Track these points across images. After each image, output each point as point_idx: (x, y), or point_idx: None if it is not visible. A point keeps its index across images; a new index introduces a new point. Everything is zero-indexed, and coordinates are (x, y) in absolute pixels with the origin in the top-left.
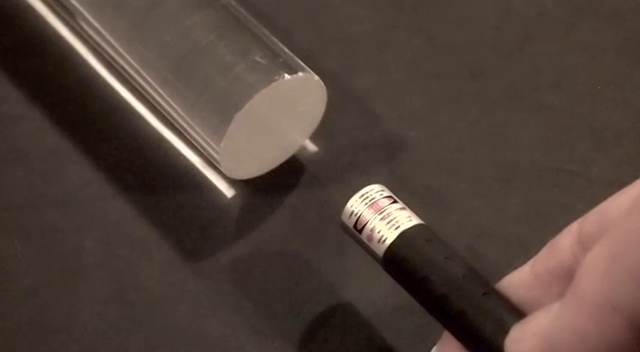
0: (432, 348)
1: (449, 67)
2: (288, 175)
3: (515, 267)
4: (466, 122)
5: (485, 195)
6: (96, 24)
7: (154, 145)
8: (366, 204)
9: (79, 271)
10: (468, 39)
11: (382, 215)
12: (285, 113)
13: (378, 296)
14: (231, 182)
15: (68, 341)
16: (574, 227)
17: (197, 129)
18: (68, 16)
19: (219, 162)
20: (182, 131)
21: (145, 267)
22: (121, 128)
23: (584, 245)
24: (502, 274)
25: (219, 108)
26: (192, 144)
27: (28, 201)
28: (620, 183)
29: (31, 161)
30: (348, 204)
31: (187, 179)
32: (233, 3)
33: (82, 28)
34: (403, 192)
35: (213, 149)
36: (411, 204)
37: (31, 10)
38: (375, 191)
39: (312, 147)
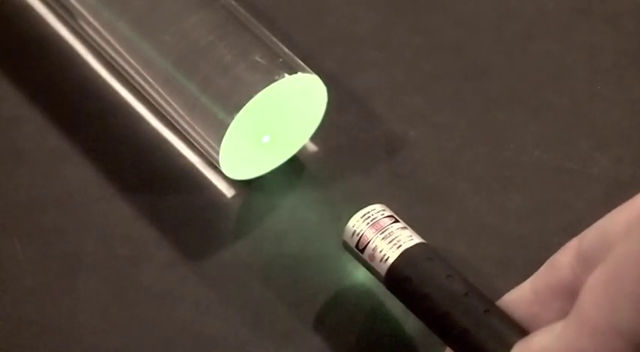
0: (432, 348)
1: (449, 67)
2: (288, 175)
3: (516, 266)
4: (466, 121)
5: (485, 193)
6: (96, 24)
7: (154, 145)
8: (368, 223)
9: (79, 271)
10: (468, 39)
11: (384, 234)
12: (286, 113)
13: (378, 296)
14: (231, 182)
15: (68, 341)
16: (573, 243)
17: (197, 129)
18: (68, 16)
19: (219, 162)
20: (182, 131)
21: (145, 267)
22: (121, 128)
23: (584, 261)
24: (502, 273)
25: (219, 108)
26: (192, 144)
27: (28, 201)
28: (619, 182)
29: (31, 161)
30: (350, 224)
31: (187, 179)
32: (233, 3)
33: (82, 28)
34: (403, 191)
35: (213, 149)
36: (411, 204)
37: (31, 10)
38: (376, 211)
39: (312, 147)
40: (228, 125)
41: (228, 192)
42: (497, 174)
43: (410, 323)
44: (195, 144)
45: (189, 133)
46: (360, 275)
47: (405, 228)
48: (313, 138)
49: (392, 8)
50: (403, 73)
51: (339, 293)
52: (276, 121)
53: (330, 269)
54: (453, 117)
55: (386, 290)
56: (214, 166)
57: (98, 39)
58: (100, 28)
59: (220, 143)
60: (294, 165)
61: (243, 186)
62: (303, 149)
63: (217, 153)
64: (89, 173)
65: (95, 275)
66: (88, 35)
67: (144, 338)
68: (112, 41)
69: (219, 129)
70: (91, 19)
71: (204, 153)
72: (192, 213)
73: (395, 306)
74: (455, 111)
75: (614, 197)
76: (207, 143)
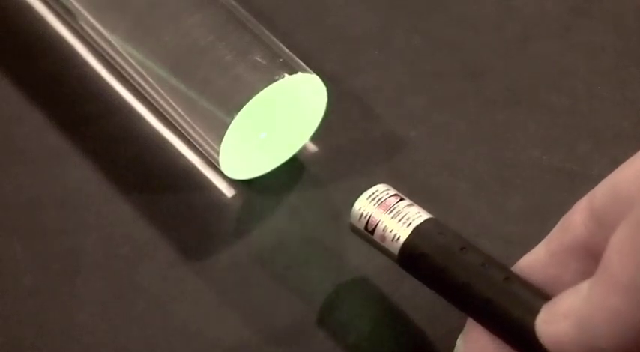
0: (434, 347)
1: (449, 67)
2: (288, 175)
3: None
4: (466, 122)
5: (485, 194)
6: (96, 24)
7: (154, 145)
8: (375, 204)
9: (79, 271)
10: (468, 39)
11: (392, 213)
12: (285, 113)
13: (378, 296)
14: (231, 182)
15: (68, 341)
16: (583, 203)
17: (197, 129)
18: (68, 16)
19: (219, 162)
20: (182, 131)
21: (145, 267)
22: (121, 128)
23: (598, 219)
24: None
25: (219, 108)
26: (192, 144)
27: (28, 201)
28: None
29: (31, 161)
30: (356, 207)
31: (187, 179)
32: (233, 3)
33: (82, 28)
34: (403, 191)
35: (213, 149)
36: None
37: (31, 11)
38: (381, 191)
39: (312, 147)
40: (228, 125)
41: (228, 192)
42: (497, 174)
43: (411, 322)
44: (195, 144)
45: (189, 133)
46: (361, 275)
47: (411, 205)
48: (313, 138)
49: (392, 8)
50: (403, 73)
51: (340, 293)
52: (276, 121)
53: (331, 269)
54: (453, 117)
55: (386, 289)
56: (214, 166)
57: (98, 39)
58: (100, 28)
59: (220, 143)
60: (294, 165)
61: (243, 186)
62: (303, 149)
63: (217, 153)
64: (89, 173)
65: (95, 275)
66: (88, 35)
67: (144, 338)
68: (112, 41)
69: (219, 129)
70: (91, 19)
71: (204, 153)
72: (192, 213)
73: (396, 306)
74: (455, 111)
75: None
76: (207, 143)
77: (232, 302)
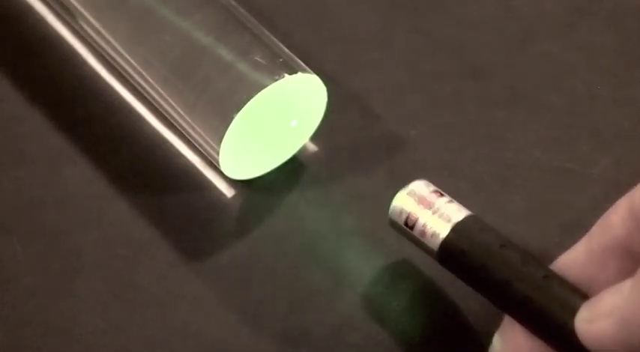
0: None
1: (449, 67)
2: (288, 175)
3: None
4: (466, 122)
5: (485, 194)
6: (96, 24)
7: (154, 145)
8: (415, 200)
9: (79, 271)
10: (468, 39)
11: (432, 209)
12: (285, 113)
13: (378, 296)
14: (231, 182)
15: (68, 341)
16: (622, 202)
17: (197, 129)
18: (69, 16)
19: (219, 162)
20: (182, 131)
21: (145, 267)
22: (121, 128)
23: (638, 218)
24: None
25: (219, 108)
26: (192, 144)
27: (28, 201)
28: (620, 182)
29: (31, 161)
30: (396, 202)
31: (187, 179)
32: (233, 3)
33: (82, 28)
34: None
35: (213, 149)
36: None
37: (31, 10)
38: (420, 187)
39: (312, 147)
40: (228, 125)
41: (228, 192)
42: (497, 174)
43: (410, 322)
44: (195, 144)
45: (189, 133)
46: (361, 275)
47: (451, 201)
48: (313, 138)
49: (392, 8)
50: (403, 73)
51: (339, 294)
52: (276, 121)
53: (330, 270)
54: (453, 117)
55: (385, 291)
56: (214, 166)
57: (98, 39)
58: (100, 28)
59: (220, 143)
60: (294, 165)
61: (243, 186)
62: (303, 149)
63: (217, 153)
64: (89, 173)
65: (95, 275)
66: (88, 35)
67: (144, 339)
68: (112, 41)
69: (219, 129)
70: (91, 19)
71: (204, 153)
72: (192, 213)
73: (396, 306)
74: (455, 111)
75: (614, 197)
76: (207, 143)
77: (232, 302)
